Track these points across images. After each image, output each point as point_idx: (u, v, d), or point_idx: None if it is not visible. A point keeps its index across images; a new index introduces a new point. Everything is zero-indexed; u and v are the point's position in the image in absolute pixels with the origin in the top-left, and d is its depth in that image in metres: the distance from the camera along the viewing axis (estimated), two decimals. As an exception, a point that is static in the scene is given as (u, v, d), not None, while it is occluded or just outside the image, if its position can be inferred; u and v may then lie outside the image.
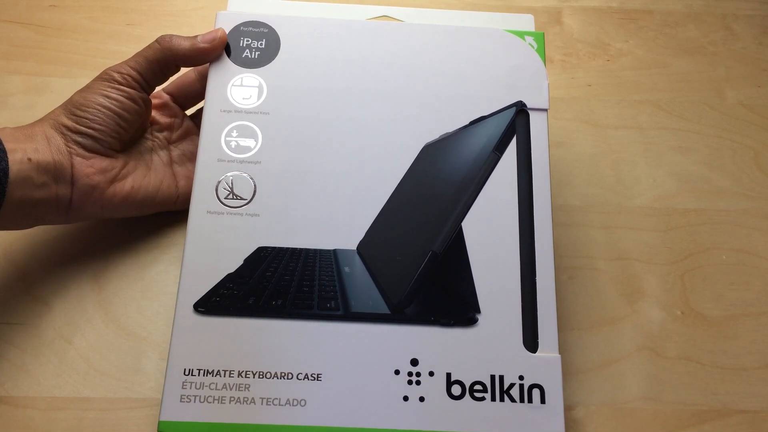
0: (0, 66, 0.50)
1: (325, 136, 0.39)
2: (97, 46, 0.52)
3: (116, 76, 0.39)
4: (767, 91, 0.51)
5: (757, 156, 0.48)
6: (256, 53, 0.41)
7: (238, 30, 0.41)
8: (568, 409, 0.38)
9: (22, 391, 0.38)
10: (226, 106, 0.40)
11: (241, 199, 0.38)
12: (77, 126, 0.38)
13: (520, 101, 0.39)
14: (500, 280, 0.36)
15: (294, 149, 0.39)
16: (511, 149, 0.38)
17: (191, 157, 0.44)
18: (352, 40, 0.41)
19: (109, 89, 0.39)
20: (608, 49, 0.53)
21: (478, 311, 0.35)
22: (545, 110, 0.39)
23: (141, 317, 0.41)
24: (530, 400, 0.34)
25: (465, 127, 0.39)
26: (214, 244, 0.37)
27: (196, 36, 0.40)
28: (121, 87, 0.39)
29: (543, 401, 0.34)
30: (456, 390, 0.34)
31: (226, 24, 0.41)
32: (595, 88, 0.51)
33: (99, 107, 0.38)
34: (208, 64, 0.41)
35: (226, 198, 0.38)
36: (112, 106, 0.39)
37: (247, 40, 0.41)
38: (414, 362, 0.34)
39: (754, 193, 0.47)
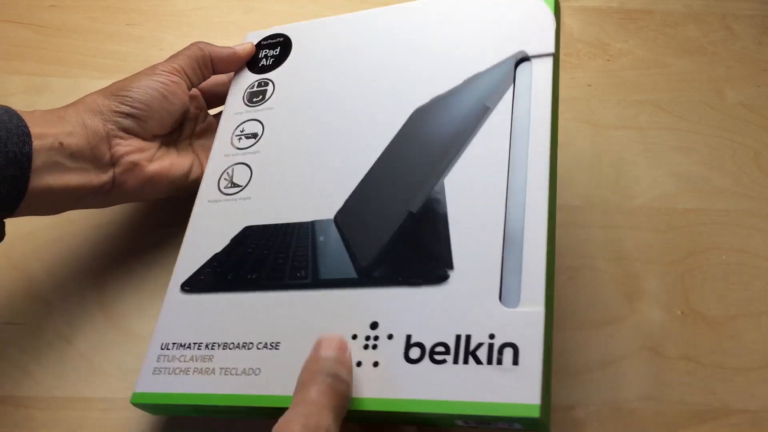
0: (0, 66, 0.50)
1: (322, 118, 0.40)
2: (97, 46, 0.52)
3: (160, 66, 0.40)
4: (767, 91, 0.51)
5: (757, 156, 0.48)
6: (271, 60, 0.44)
7: (260, 45, 0.45)
8: (568, 409, 0.38)
9: (22, 391, 0.38)
10: (240, 109, 0.42)
11: (238, 186, 0.39)
12: (120, 105, 0.38)
13: (520, 51, 0.37)
14: (481, 234, 0.32)
15: (290, 134, 0.40)
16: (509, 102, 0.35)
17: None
18: (355, 28, 0.43)
19: (153, 75, 0.40)
20: (608, 49, 0.53)
21: (451, 267, 0.32)
22: (551, 55, 0.36)
23: (141, 317, 0.41)
24: (499, 362, 0.29)
25: (457, 86, 0.37)
26: (207, 229, 0.38)
27: (231, 46, 0.44)
28: (166, 73, 0.40)
29: (515, 362, 0.28)
30: (414, 353, 0.30)
31: (253, 41, 0.46)
32: (595, 88, 0.51)
33: (144, 87, 0.39)
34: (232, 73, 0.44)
35: (225, 187, 0.39)
36: (159, 87, 0.39)
37: (266, 51, 0.45)
38: (374, 326, 0.32)
39: (754, 193, 0.47)
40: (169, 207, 0.45)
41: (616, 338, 0.41)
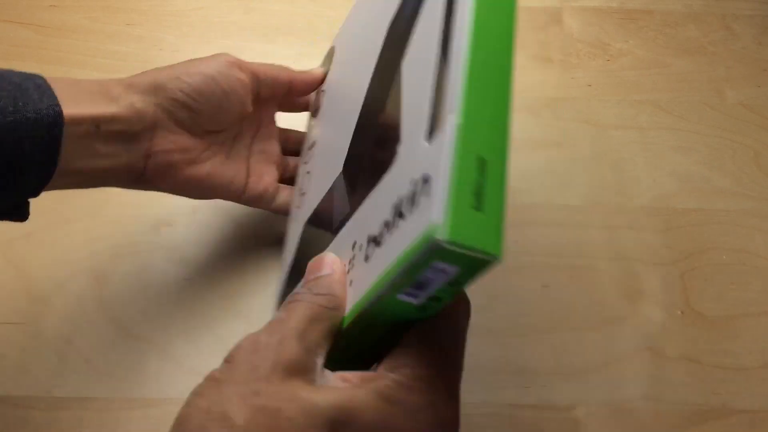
0: (0, 66, 0.50)
1: (349, 92, 0.38)
2: (97, 46, 0.52)
3: (233, 58, 0.37)
4: (767, 91, 0.51)
5: (757, 156, 0.48)
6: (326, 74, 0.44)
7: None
8: (568, 409, 0.38)
9: (22, 390, 0.38)
10: (309, 126, 0.45)
11: (304, 194, 0.40)
12: (175, 92, 0.35)
13: None
14: (418, 90, 0.28)
15: (329, 123, 0.40)
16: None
17: (268, 158, 0.42)
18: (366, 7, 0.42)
19: (220, 66, 0.37)
20: (608, 49, 0.53)
21: (398, 141, 0.28)
22: None
23: (141, 317, 0.41)
24: (416, 203, 0.24)
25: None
26: (289, 246, 0.39)
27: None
28: (235, 68, 0.37)
29: (428, 193, 0.23)
30: (371, 250, 0.27)
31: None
32: (595, 88, 0.51)
33: (205, 77, 0.36)
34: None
35: (299, 202, 0.40)
36: (220, 80, 0.36)
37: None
38: (353, 246, 0.29)
39: (754, 193, 0.47)
40: (169, 206, 0.45)
41: (616, 338, 0.41)
